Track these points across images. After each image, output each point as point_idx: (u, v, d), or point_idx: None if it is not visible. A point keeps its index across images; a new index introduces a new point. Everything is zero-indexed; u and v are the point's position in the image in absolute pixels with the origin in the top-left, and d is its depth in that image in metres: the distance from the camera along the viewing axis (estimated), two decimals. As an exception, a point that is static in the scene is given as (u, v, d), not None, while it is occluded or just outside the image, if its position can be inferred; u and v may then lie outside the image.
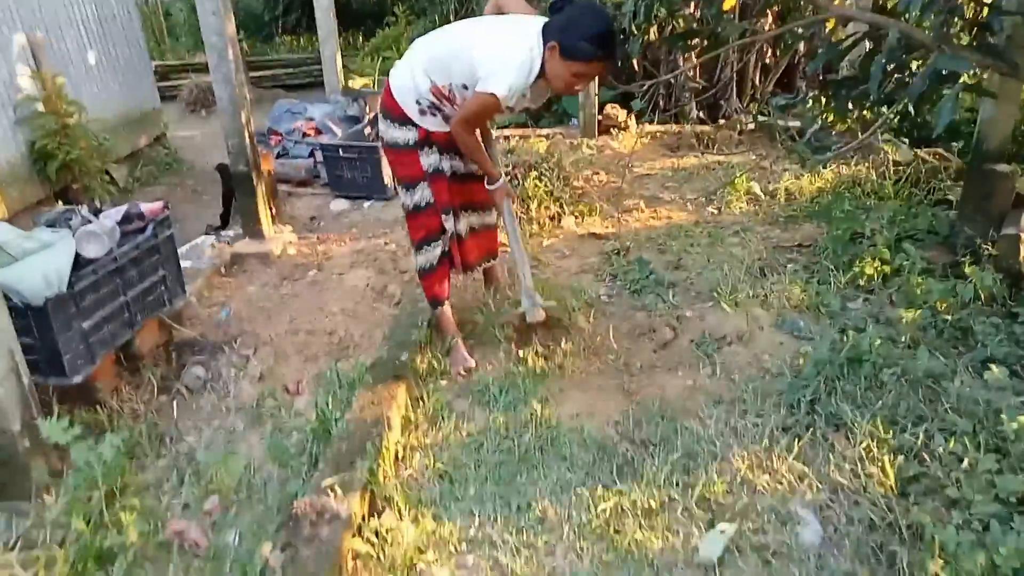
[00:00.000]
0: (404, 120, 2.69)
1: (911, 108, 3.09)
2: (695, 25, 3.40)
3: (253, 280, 3.82)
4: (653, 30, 4.51)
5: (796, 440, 2.36)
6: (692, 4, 3.36)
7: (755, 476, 2.24)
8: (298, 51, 10.83)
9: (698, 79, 6.68)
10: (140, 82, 6.60)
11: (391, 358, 2.76)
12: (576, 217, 4.35)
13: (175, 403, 2.80)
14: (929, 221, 3.59)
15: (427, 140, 2.73)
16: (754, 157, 5.27)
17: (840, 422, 2.42)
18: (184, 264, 3.29)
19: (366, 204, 4.74)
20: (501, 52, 2.50)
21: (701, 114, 6.63)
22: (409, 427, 2.56)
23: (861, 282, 3.30)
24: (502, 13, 2.77)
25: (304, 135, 5.25)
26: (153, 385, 2.83)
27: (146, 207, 2.78)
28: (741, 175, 4.68)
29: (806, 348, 2.86)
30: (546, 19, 2.56)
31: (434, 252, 2.89)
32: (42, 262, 2.32)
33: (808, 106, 6.05)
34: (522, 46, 2.49)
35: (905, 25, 2.90)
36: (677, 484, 2.24)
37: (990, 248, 3.24)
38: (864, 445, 2.27)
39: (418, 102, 2.65)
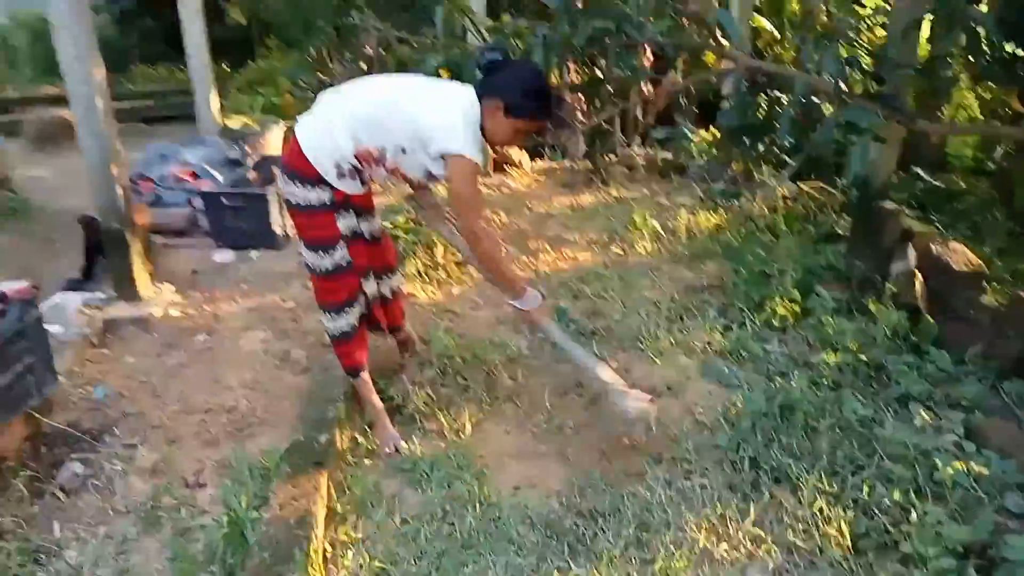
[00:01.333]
0: (317, 181, 2.43)
1: (811, 154, 3.17)
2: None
3: (132, 350, 3.41)
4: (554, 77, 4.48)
5: (746, 501, 2.31)
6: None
7: (712, 545, 2.16)
8: (159, 83, 10.15)
9: (583, 114, 6.77)
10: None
11: (309, 440, 2.49)
12: (482, 262, 4.20)
13: (50, 510, 2.40)
14: (827, 258, 3.70)
15: (344, 202, 2.51)
16: (647, 193, 5.34)
17: (782, 475, 2.40)
18: (47, 327, 2.82)
19: (253, 255, 4.40)
20: (445, 111, 2.35)
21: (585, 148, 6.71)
22: (334, 519, 2.31)
23: (775, 322, 3.35)
24: None
25: (179, 180, 4.83)
26: (21, 491, 2.42)
27: (8, 288, 2.40)
28: (640, 213, 4.70)
29: (735, 397, 2.84)
30: (459, 85, 2.49)
31: (353, 315, 2.64)
32: None
33: (688, 143, 6.27)
34: (464, 106, 2.38)
35: (812, 77, 2.98)
36: (634, 560, 2.13)
37: (889, 284, 3.37)
38: (813, 503, 2.25)
39: (338, 165, 2.40)
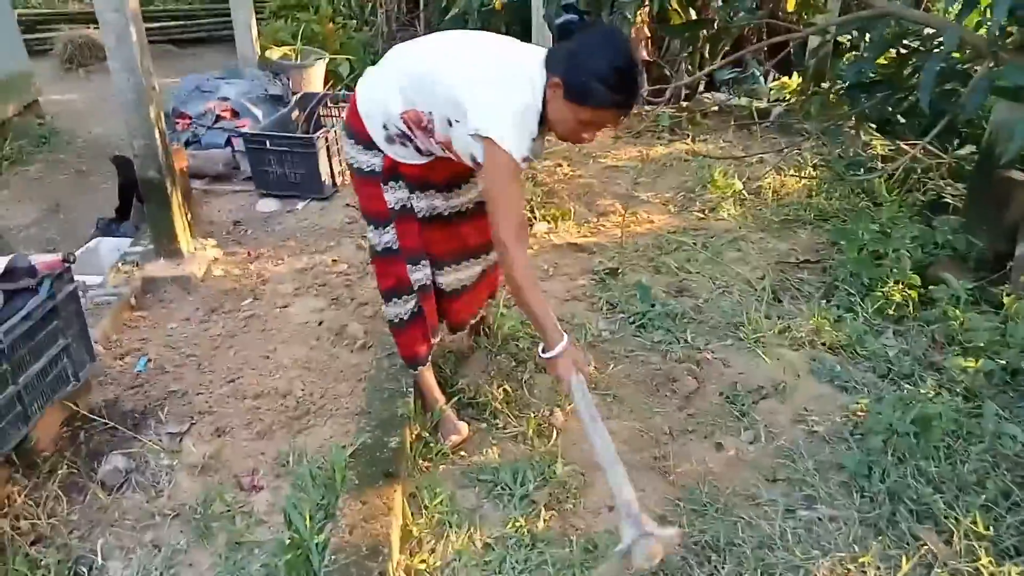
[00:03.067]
0: (369, 143, 2.11)
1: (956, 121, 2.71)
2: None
3: (173, 314, 3.12)
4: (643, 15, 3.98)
5: (884, 541, 1.99)
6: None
7: (852, 600, 1.85)
8: (187, 1, 9.63)
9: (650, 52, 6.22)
10: (2, 38, 5.57)
11: (376, 443, 2.20)
12: (548, 222, 3.83)
13: (91, 512, 2.15)
14: (942, 234, 3.27)
15: (393, 171, 2.14)
16: (723, 145, 4.87)
17: (926, 511, 2.07)
18: (79, 279, 2.46)
19: (300, 205, 4.05)
20: (494, 85, 1.90)
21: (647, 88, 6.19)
22: (410, 542, 2.03)
23: (890, 311, 2.96)
24: None
25: (218, 118, 4.45)
26: (57, 491, 2.16)
27: (38, 260, 2.08)
28: (720, 171, 4.27)
29: (854, 404, 2.50)
30: (532, 51, 1.98)
31: (404, 307, 2.31)
32: None
33: (759, 86, 5.72)
34: (520, 77, 1.90)
35: (964, 29, 2.51)
36: (758, 613, 1.83)
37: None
38: (969, 551, 1.92)
39: (385, 126, 2.07)
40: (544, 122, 1.94)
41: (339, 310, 3.10)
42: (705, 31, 3.05)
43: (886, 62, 2.98)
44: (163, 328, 3.03)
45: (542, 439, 2.40)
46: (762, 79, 5.78)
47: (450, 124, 1.98)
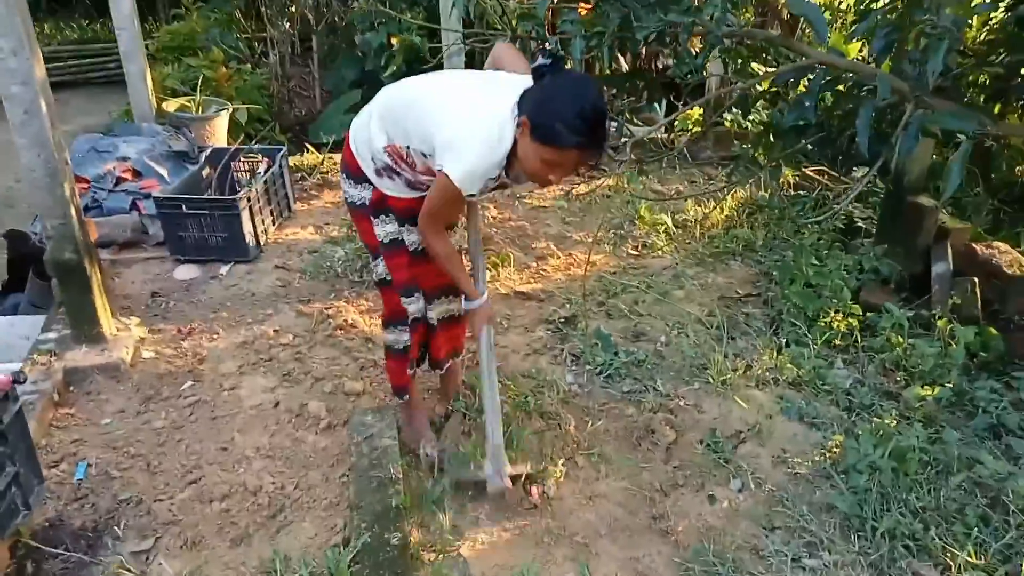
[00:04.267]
0: (360, 177, 2.24)
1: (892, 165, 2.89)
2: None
3: (105, 408, 2.83)
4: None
5: (892, 583, 2.06)
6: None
7: (877, 648, 1.90)
8: (50, 40, 8.92)
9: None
10: None
11: (377, 543, 2.07)
12: (490, 269, 3.78)
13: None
14: (867, 260, 3.47)
15: (382, 204, 2.26)
16: (641, 178, 4.98)
17: (922, 547, 2.16)
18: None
19: (223, 270, 3.79)
20: (461, 125, 1.97)
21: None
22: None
23: (836, 340, 3.11)
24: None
25: (119, 180, 4.11)
26: (18, 641, 1.90)
27: (-20, 383, 1.82)
28: (644, 206, 4.36)
29: (828, 440, 2.60)
30: (507, 90, 2.00)
31: (401, 336, 2.45)
32: None
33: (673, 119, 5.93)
34: (488, 118, 1.95)
35: (893, 77, 2.67)
36: (792, 673, 1.84)
37: (953, 296, 3.18)
38: (970, 583, 2.02)
39: (373, 159, 2.18)
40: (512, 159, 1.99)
41: (293, 387, 2.91)
42: (640, 81, 3.09)
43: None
44: (97, 425, 2.74)
45: (540, 508, 2.34)
46: (658, 108, 5.99)
47: (424, 156, 2.07)
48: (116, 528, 2.28)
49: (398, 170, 2.15)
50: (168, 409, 2.82)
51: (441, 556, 2.16)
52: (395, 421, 2.55)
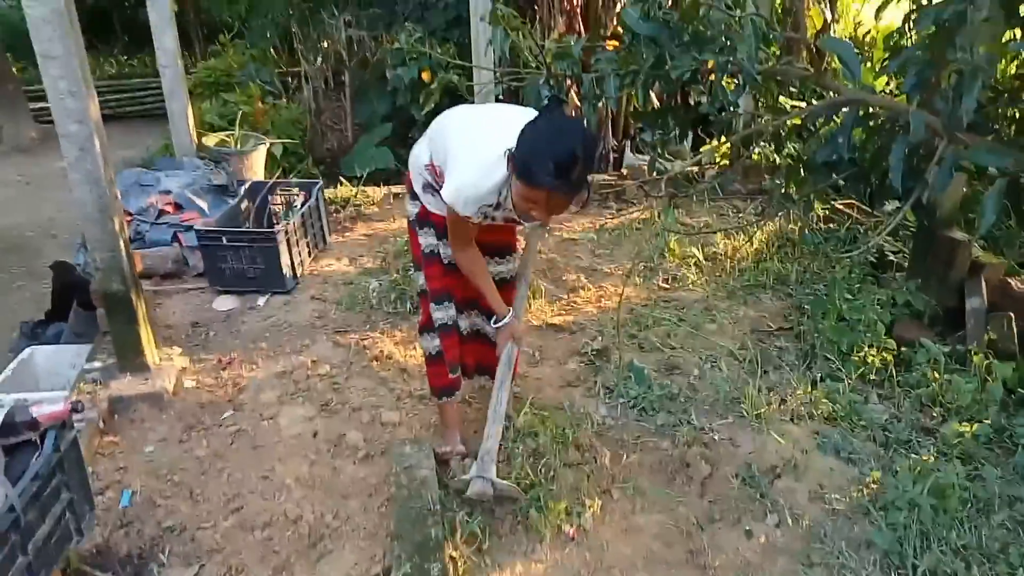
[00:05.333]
0: (412, 193, 2.48)
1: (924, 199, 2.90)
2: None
3: (148, 436, 2.90)
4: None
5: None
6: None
7: None
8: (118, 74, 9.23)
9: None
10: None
11: (418, 573, 2.09)
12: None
13: None
14: (904, 296, 3.47)
15: (426, 218, 2.46)
16: (672, 212, 5.02)
17: (964, 586, 2.14)
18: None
19: (261, 301, 3.88)
20: (463, 150, 2.17)
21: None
22: None
23: (872, 375, 3.10)
24: None
25: (161, 213, 4.24)
26: (69, 665, 1.94)
27: (41, 411, 1.88)
28: (674, 238, 4.40)
29: (865, 476, 2.59)
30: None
31: (431, 343, 2.61)
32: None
33: (699, 152, 5.97)
34: (488, 148, 2.08)
35: (926, 114, 2.70)
36: None
37: (989, 331, 3.17)
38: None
39: (421, 175, 2.39)
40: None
41: (331, 418, 2.96)
42: (672, 117, 3.15)
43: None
44: (141, 453, 2.81)
45: (576, 541, 2.35)
46: (686, 143, 6.05)
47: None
48: (161, 555, 2.32)
49: (436, 187, 2.31)
50: (210, 438, 2.88)
51: (480, 585, 2.18)
52: (433, 452, 2.58)
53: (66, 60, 2.63)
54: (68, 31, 2.60)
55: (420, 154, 2.38)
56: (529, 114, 2.23)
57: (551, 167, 1.89)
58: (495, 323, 2.50)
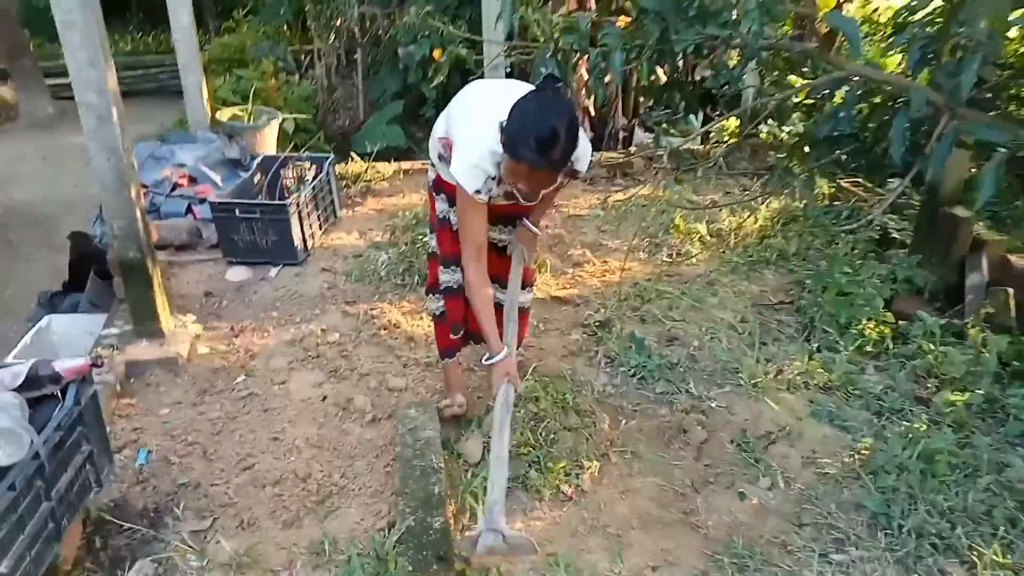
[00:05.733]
0: (431, 161, 2.56)
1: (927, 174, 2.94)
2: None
3: (163, 399, 3.00)
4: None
5: (918, 579, 2.12)
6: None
7: (901, 640, 1.96)
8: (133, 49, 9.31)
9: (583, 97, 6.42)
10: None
11: (420, 527, 2.19)
12: (527, 276, 3.89)
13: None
14: (904, 272, 3.51)
15: (439, 185, 2.53)
16: (677, 187, 5.06)
17: (949, 546, 2.21)
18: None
19: (272, 272, 3.97)
20: (467, 123, 2.25)
21: (590, 133, 6.40)
22: (471, 625, 2.02)
23: (868, 348, 3.16)
24: None
25: (176, 186, 4.33)
26: (89, 607, 2.05)
27: (63, 366, 1.98)
28: (680, 215, 4.44)
29: (858, 443, 2.65)
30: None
31: (436, 304, 2.74)
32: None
33: (708, 130, 5.99)
34: (489, 121, 2.14)
35: (927, 89, 2.74)
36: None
37: (986, 305, 3.21)
38: (996, 581, 2.07)
39: (435, 145, 2.46)
40: None
41: (340, 383, 3.05)
42: (678, 92, 3.19)
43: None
44: (156, 415, 2.91)
45: (573, 501, 2.44)
46: (694, 120, 6.07)
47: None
48: (176, 509, 2.43)
49: (447, 159, 2.35)
50: (222, 401, 2.98)
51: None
52: (437, 415, 2.67)
53: (86, 29, 2.70)
54: (88, 1, 2.67)
55: (437, 127, 2.46)
56: (521, 87, 2.31)
57: (532, 143, 1.97)
58: (487, 360, 2.36)
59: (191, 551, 2.26)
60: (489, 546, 2.03)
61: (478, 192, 2.20)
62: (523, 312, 2.77)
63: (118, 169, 2.93)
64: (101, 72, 2.76)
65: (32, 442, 1.78)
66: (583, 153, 2.26)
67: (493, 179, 2.21)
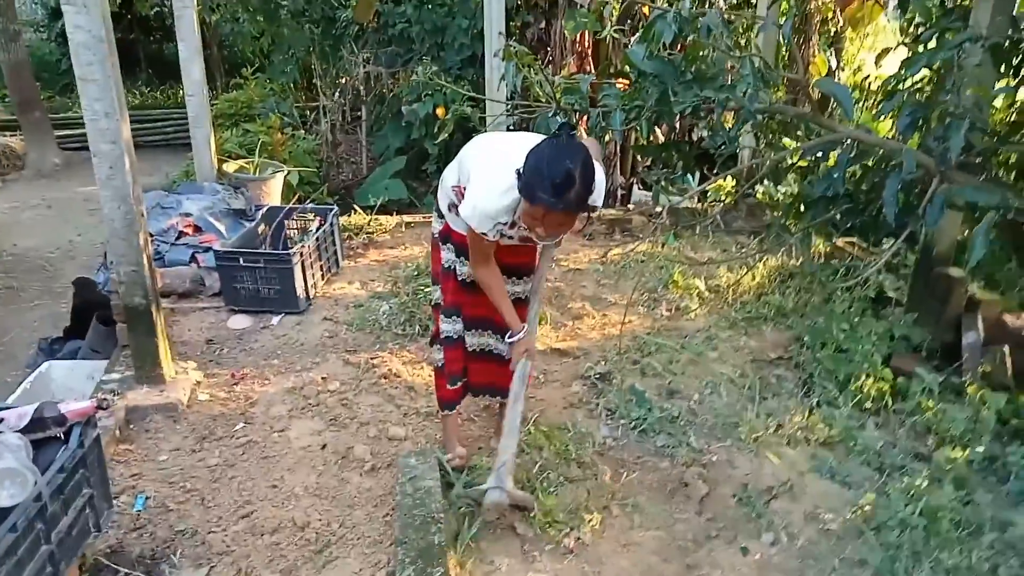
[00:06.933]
0: (439, 211, 2.62)
1: (919, 234, 3.01)
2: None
3: (161, 445, 2.99)
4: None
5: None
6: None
7: None
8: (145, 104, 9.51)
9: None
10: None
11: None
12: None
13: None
14: (901, 329, 3.55)
15: (447, 235, 2.59)
16: (675, 245, 5.14)
17: (953, 604, 2.20)
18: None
19: (274, 320, 3.99)
20: (482, 172, 2.32)
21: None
22: None
23: (868, 404, 3.17)
24: None
25: (181, 234, 4.38)
26: (83, 656, 2.01)
27: (68, 408, 1.99)
28: (678, 271, 4.50)
29: (860, 499, 2.65)
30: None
31: (438, 355, 2.76)
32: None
33: (688, 186, 6.11)
34: (503, 169, 2.22)
35: (918, 152, 2.82)
36: None
37: (983, 364, 3.24)
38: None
39: (447, 195, 2.53)
40: None
41: (340, 432, 3.05)
42: (675, 151, 3.28)
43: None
44: (154, 461, 2.89)
45: (575, 554, 2.42)
46: (691, 179, 6.19)
47: None
48: (173, 556, 2.40)
49: (458, 207, 2.41)
50: (221, 448, 2.96)
51: (480, 592, 2.25)
52: (438, 464, 2.66)
53: (103, 83, 2.79)
54: (106, 57, 2.77)
55: (448, 176, 2.53)
56: (519, 138, 2.43)
57: (548, 186, 2.03)
58: (509, 337, 2.57)
59: (186, 599, 2.22)
60: (496, 501, 2.38)
61: (485, 234, 2.30)
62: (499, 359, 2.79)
63: (128, 217, 2.98)
64: (116, 123, 2.84)
65: (35, 483, 1.78)
66: (599, 186, 2.28)
67: (505, 224, 2.29)
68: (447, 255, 2.60)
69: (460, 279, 2.59)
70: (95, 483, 2.11)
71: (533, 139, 2.38)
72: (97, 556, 2.33)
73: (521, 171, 2.12)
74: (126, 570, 2.30)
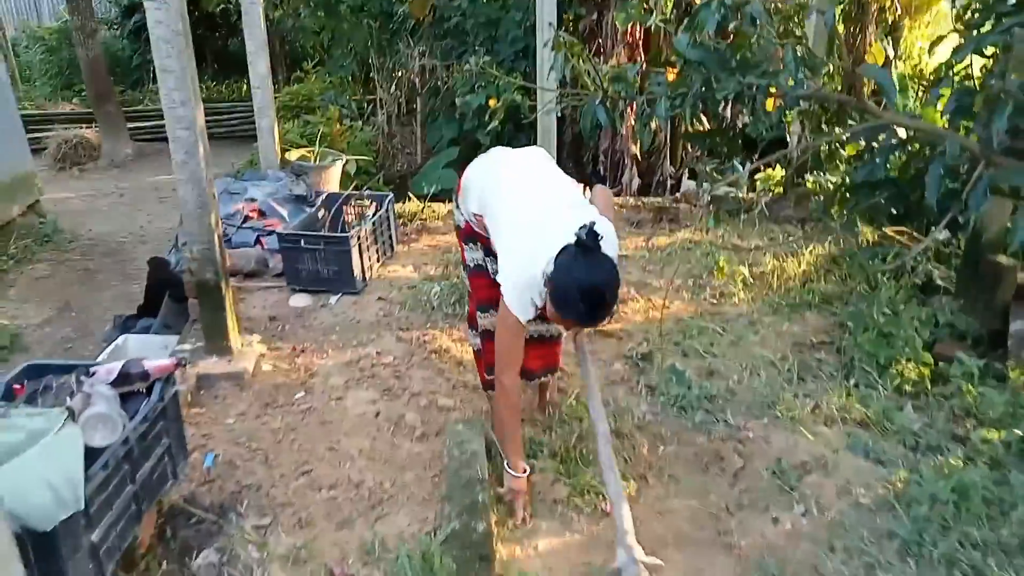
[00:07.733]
0: (458, 204, 2.70)
1: (962, 219, 3.03)
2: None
3: (229, 410, 3.22)
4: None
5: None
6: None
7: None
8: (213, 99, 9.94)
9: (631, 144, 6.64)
10: (9, 139, 5.66)
11: (465, 530, 2.32)
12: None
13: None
14: (944, 315, 3.56)
15: (471, 234, 2.67)
16: (719, 232, 5.20)
17: (980, 573, 2.25)
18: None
19: (332, 299, 4.21)
20: (519, 257, 2.30)
21: (637, 180, 6.60)
22: (510, 622, 2.14)
23: (907, 387, 3.21)
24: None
25: (246, 218, 4.65)
26: (160, 587, 2.23)
27: (152, 365, 2.21)
28: (724, 258, 4.57)
29: (892, 475, 2.71)
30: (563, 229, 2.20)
31: (475, 340, 2.88)
32: (43, 467, 1.73)
33: (739, 176, 6.12)
34: (535, 263, 2.22)
35: (962, 137, 2.86)
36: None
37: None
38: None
39: (471, 204, 2.60)
40: None
41: (393, 401, 3.23)
42: (720, 138, 3.36)
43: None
44: (222, 424, 3.12)
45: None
46: (740, 169, 6.21)
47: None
48: (239, 507, 2.61)
49: (478, 230, 2.58)
50: (283, 414, 3.18)
51: (518, 550, 2.40)
52: (483, 431, 2.82)
53: (181, 74, 3.02)
54: (183, 50, 2.99)
55: (468, 196, 2.59)
56: (567, 191, 2.47)
57: (582, 309, 2.13)
58: (507, 468, 2.53)
59: (253, 543, 2.43)
60: (634, 570, 2.10)
61: (519, 321, 2.31)
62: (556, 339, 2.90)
63: (201, 198, 3.21)
64: (191, 111, 3.06)
65: (124, 427, 2.00)
66: (611, 246, 2.31)
67: (538, 307, 2.31)
68: (472, 254, 2.68)
69: (493, 276, 2.56)
70: (173, 435, 2.33)
71: (556, 194, 2.43)
72: (172, 503, 2.56)
73: (551, 278, 2.14)
74: (200, 512, 2.52)
